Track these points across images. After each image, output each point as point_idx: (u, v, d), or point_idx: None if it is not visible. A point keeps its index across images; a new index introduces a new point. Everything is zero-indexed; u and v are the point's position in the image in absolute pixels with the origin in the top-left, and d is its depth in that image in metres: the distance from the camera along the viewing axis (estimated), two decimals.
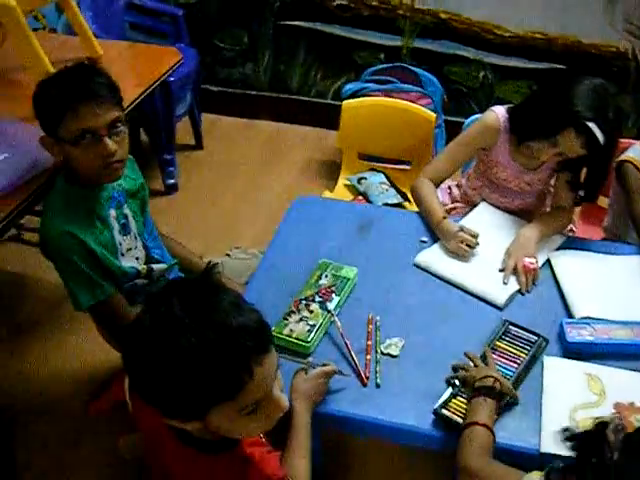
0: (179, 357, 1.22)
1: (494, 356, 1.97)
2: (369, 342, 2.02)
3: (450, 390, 1.88)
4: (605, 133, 2.19)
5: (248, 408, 1.30)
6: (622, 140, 2.74)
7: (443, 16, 4.15)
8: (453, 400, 1.86)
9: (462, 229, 2.34)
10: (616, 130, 2.29)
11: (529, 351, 2.01)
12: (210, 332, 1.23)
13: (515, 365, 1.97)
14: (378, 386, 1.92)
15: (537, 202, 2.65)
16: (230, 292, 1.33)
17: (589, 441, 1.40)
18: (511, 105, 2.48)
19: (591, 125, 2.17)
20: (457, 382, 1.88)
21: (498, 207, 2.59)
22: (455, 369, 1.91)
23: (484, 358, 1.94)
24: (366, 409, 1.86)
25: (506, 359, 1.99)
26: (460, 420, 1.80)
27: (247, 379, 1.26)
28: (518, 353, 2.01)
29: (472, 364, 1.91)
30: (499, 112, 2.46)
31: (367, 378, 1.92)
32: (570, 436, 1.44)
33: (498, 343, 2.03)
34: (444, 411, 1.83)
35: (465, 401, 1.84)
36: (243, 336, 1.25)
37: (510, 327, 2.08)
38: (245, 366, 1.25)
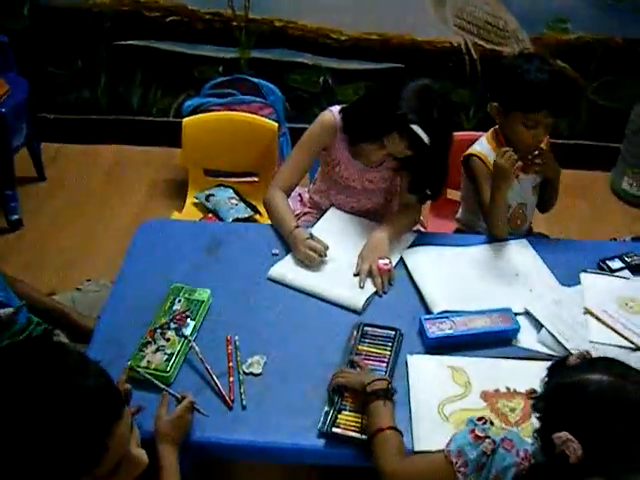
0: (20, 440, 1.13)
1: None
2: (230, 363, 1.97)
3: (329, 407, 1.85)
4: (431, 133, 2.22)
5: (106, 476, 1.23)
6: (469, 133, 2.85)
7: (278, 24, 4.13)
8: (339, 416, 1.84)
9: (311, 237, 2.33)
10: (444, 129, 2.33)
11: (391, 347, 2.03)
12: (53, 410, 1.14)
13: (383, 364, 1.98)
14: (244, 407, 1.87)
15: (384, 202, 2.67)
16: (73, 355, 1.25)
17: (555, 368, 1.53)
18: (345, 105, 2.49)
19: (414, 127, 2.21)
20: (336, 398, 1.87)
21: (346, 209, 2.60)
22: (334, 388, 1.89)
23: (352, 365, 1.94)
24: (235, 432, 1.82)
25: (373, 360, 2.00)
26: (355, 434, 1.79)
27: (101, 453, 1.18)
28: (381, 352, 2.02)
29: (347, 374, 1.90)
30: (335, 111, 2.47)
31: (232, 401, 1.88)
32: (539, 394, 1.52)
33: (360, 347, 2.03)
34: (336, 430, 1.81)
35: (352, 414, 1.84)
36: (90, 410, 1.17)
37: (366, 328, 2.09)
38: (97, 442, 1.18)
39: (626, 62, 4.20)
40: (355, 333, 2.07)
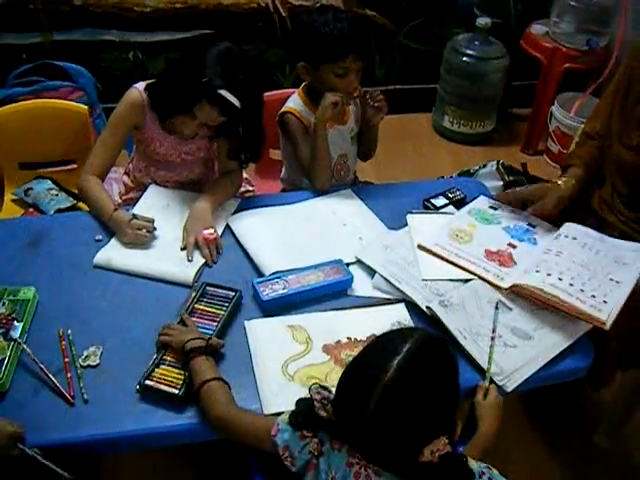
0: None
1: (194, 318, 1.99)
2: (66, 359, 1.91)
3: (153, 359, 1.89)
4: (240, 96, 2.21)
5: None
6: (284, 91, 2.87)
7: (77, 2, 3.97)
8: (156, 369, 1.85)
9: (135, 217, 2.28)
10: (253, 90, 2.33)
11: (227, 307, 2.04)
12: None
13: (214, 323, 1.99)
14: (86, 402, 1.82)
15: (206, 170, 2.63)
16: None
17: (312, 422, 1.53)
18: (150, 81, 2.42)
19: (222, 92, 2.19)
20: (157, 353, 1.91)
21: (169, 184, 2.57)
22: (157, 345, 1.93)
23: (183, 323, 1.95)
24: (80, 428, 1.76)
25: (206, 319, 2.01)
26: (167, 389, 1.81)
27: None
28: (216, 311, 2.04)
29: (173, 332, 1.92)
30: (140, 88, 2.41)
31: (72, 397, 1.82)
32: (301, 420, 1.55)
33: (197, 306, 2.05)
34: (148, 382, 1.82)
35: (171, 368, 1.86)
36: None
37: (207, 288, 2.10)
38: None
39: (433, 4, 4.31)
40: (194, 293, 2.08)
